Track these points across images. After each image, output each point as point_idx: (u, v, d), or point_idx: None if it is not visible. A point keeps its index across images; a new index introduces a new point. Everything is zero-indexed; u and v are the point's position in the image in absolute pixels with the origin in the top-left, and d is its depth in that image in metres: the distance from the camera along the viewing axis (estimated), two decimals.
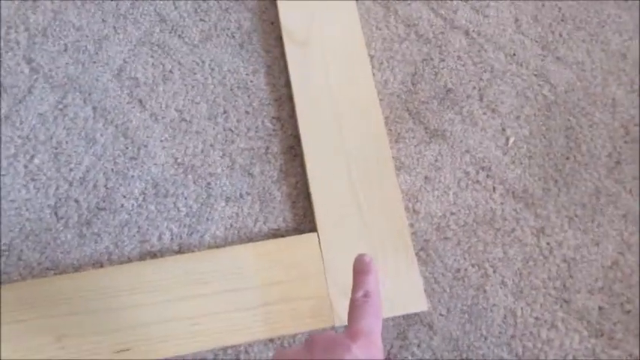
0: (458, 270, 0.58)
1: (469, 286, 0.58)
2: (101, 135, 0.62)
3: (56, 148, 0.61)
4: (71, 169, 0.60)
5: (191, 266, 0.55)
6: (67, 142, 0.62)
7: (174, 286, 0.54)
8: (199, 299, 0.53)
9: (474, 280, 0.58)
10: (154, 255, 0.57)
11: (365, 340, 0.37)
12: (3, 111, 0.63)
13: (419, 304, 0.55)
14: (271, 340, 0.54)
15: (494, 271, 0.58)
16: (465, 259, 0.59)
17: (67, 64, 0.65)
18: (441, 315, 0.56)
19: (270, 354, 0.54)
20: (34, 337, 0.51)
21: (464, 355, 0.55)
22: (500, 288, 0.58)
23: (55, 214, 0.58)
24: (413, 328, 0.56)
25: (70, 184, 0.60)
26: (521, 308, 0.57)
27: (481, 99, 0.66)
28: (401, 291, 0.55)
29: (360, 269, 0.42)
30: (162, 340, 0.52)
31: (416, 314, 0.56)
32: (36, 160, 0.61)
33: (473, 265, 0.58)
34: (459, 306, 0.57)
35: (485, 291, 0.57)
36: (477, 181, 0.62)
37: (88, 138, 0.62)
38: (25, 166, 0.60)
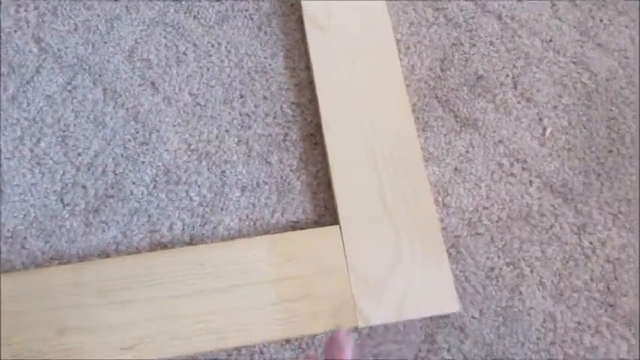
0: (491, 269, 0.54)
1: (503, 286, 0.53)
2: (111, 118, 0.59)
3: (64, 132, 0.58)
4: (79, 154, 0.57)
5: (203, 258, 0.51)
6: (75, 126, 0.58)
7: (185, 280, 0.50)
8: (211, 294, 0.49)
9: (509, 280, 0.53)
10: (164, 246, 0.54)
11: None
12: (10, 92, 0.59)
13: (450, 304, 0.50)
14: (288, 341, 0.50)
15: (532, 271, 0.54)
16: (498, 257, 0.54)
17: (76, 44, 0.62)
18: (473, 317, 0.52)
19: (287, 355, 0.50)
20: (32, 329, 0.47)
21: None
22: (538, 289, 0.53)
23: (61, 200, 0.55)
24: (443, 330, 0.51)
25: (78, 170, 0.56)
26: (561, 312, 0.52)
27: (515, 87, 0.62)
28: (430, 290, 0.50)
29: (334, 344, 0.37)
30: (170, 337, 0.48)
31: (446, 316, 0.52)
32: (42, 144, 0.57)
33: (507, 264, 0.54)
34: (492, 308, 0.52)
35: (521, 292, 0.53)
36: (512, 174, 0.58)
37: (97, 121, 0.58)
38: (31, 150, 0.57)
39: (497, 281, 0.53)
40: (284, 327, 0.49)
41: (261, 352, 0.50)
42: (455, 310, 0.50)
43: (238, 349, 0.50)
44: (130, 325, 0.48)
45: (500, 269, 0.54)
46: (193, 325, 0.48)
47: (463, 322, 0.52)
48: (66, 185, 0.55)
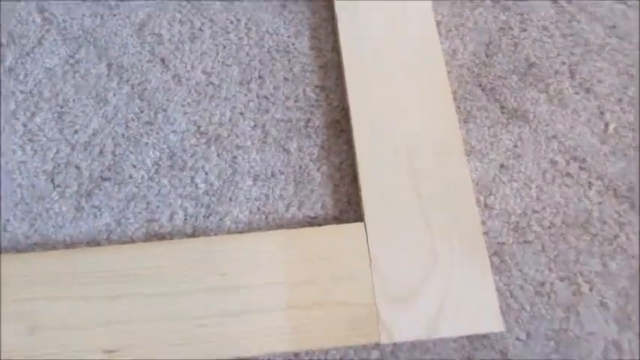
0: (542, 283, 0.45)
1: (556, 304, 0.45)
2: (114, 95, 0.53)
3: (61, 107, 0.52)
4: (76, 131, 0.51)
5: (206, 252, 0.44)
6: (74, 101, 0.52)
7: (183, 276, 0.43)
8: (211, 294, 0.42)
9: (564, 299, 0.45)
10: (162, 237, 0.47)
11: None
12: (7, 62, 0.54)
13: (492, 323, 0.42)
14: (296, 355, 0.43)
15: (591, 289, 0.45)
16: (550, 269, 0.46)
17: (83, 15, 0.56)
18: (518, 340, 0.43)
19: None
20: (3, 325, 0.41)
21: None
22: (600, 311, 0.44)
23: (52, 181, 0.49)
24: (480, 353, 0.43)
25: (73, 148, 0.50)
26: (629, 340, 0.43)
27: (572, 76, 0.54)
28: (469, 305, 0.42)
29: None
30: (161, 342, 0.41)
31: (485, 336, 0.43)
32: (37, 119, 0.51)
33: (562, 279, 0.45)
34: (542, 330, 0.44)
35: (578, 313, 0.44)
36: (568, 174, 0.49)
37: (98, 98, 0.52)
38: (24, 125, 0.51)
39: (549, 298, 0.45)
40: (292, 338, 0.41)
41: None
42: (498, 330, 0.42)
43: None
44: (116, 324, 0.41)
45: (553, 284, 0.45)
46: (189, 329, 0.41)
47: (506, 345, 0.43)
48: (58, 165, 0.49)
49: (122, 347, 0.41)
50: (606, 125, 0.52)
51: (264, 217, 0.48)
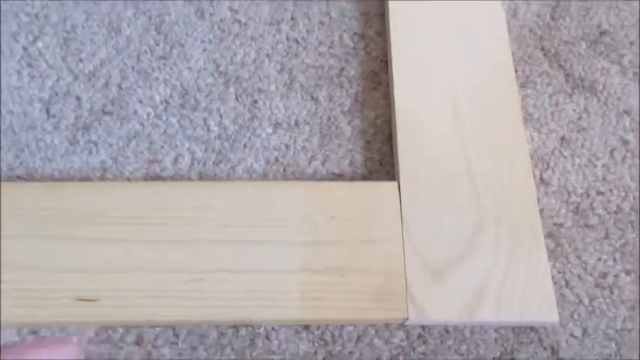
0: (604, 275, 0.38)
1: (620, 301, 0.37)
2: (128, 25, 0.47)
3: (68, 33, 0.46)
4: (81, 60, 0.45)
5: (212, 199, 0.37)
6: (83, 28, 0.47)
7: (181, 223, 0.37)
8: (212, 247, 0.36)
9: (629, 295, 0.37)
10: (162, 180, 0.41)
11: None
12: None
13: (544, 312, 0.35)
14: (306, 327, 0.36)
15: None
16: (615, 260, 0.38)
17: None
18: (572, 337, 0.36)
19: (302, 347, 0.35)
20: None
21: None
22: None
23: (47, 110, 0.43)
24: (526, 349, 0.36)
25: (75, 78, 0.44)
26: None
27: None
28: (516, 288, 0.35)
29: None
30: (148, 295, 0.34)
31: (533, 329, 0.36)
32: (39, 43, 0.46)
33: (628, 272, 0.38)
34: (602, 328, 0.36)
35: None
36: None
37: (111, 26, 0.47)
38: (25, 48, 0.46)
39: (612, 293, 0.37)
40: (304, 306, 0.34)
41: (267, 337, 0.35)
42: (550, 322, 0.35)
43: (236, 327, 0.36)
44: (98, 271, 0.35)
45: (617, 277, 0.38)
46: (183, 284, 0.35)
47: (558, 342, 0.36)
48: (56, 94, 0.44)
49: (101, 297, 0.35)
50: None
51: (281, 168, 0.41)
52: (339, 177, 0.41)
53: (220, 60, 0.46)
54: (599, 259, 0.38)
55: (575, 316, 0.37)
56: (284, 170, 0.41)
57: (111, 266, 0.35)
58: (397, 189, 0.38)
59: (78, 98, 0.44)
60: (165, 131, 0.43)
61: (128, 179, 0.41)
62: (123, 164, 0.41)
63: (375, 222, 0.37)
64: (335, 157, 0.42)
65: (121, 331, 0.36)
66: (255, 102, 0.44)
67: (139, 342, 0.35)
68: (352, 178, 0.41)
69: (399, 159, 0.39)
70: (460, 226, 0.37)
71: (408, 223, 0.37)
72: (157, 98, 0.44)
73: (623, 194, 0.41)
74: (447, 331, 0.36)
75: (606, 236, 0.39)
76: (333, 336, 0.35)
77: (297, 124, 0.43)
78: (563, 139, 0.43)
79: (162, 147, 0.42)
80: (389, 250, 0.36)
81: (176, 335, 0.35)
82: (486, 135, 0.40)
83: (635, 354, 0.36)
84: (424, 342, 0.36)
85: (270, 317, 0.34)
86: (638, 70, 0.46)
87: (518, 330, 0.36)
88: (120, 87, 0.44)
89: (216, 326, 0.36)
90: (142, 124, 0.43)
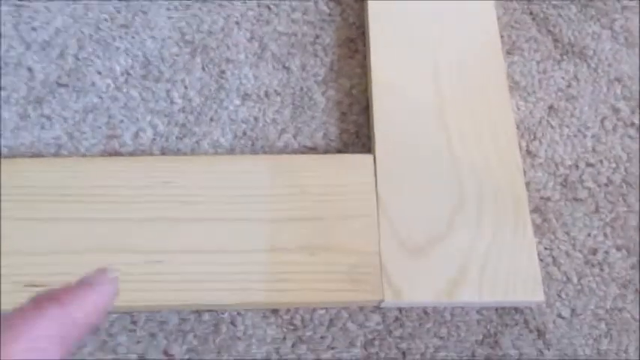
0: (594, 251, 0.36)
1: (611, 279, 0.35)
2: None
3: (21, 0, 0.43)
4: (34, 29, 0.42)
5: (171, 175, 0.35)
6: None
7: (138, 200, 0.34)
8: (173, 225, 0.33)
9: (620, 272, 0.35)
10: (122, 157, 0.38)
11: None
12: None
13: (529, 292, 0.32)
14: (275, 311, 0.33)
15: None
16: (605, 235, 0.36)
17: None
18: (560, 317, 0.34)
19: (270, 332, 0.33)
20: None
21: None
22: None
23: None
24: (511, 331, 0.33)
25: (28, 48, 0.41)
26: None
27: None
28: (500, 267, 0.33)
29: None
30: None
31: (517, 310, 0.34)
32: None
33: (619, 248, 0.36)
34: (591, 308, 0.34)
35: (637, 291, 0.35)
36: (632, 124, 0.40)
37: None
38: None
39: (602, 270, 0.35)
40: (272, 289, 0.32)
41: (232, 323, 0.33)
42: (536, 301, 0.32)
43: (199, 312, 0.33)
44: (47, 253, 0.32)
45: (607, 253, 0.36)
46: (140, 264, 0.32)
47: (545, 323, 0.34)
48: (6, 64, 0.40)
49: (51, 282, 0.32)
50: None
51: (250, 142, 0.38)
52: (311, 151, 0.38)
53: (186, 28, 0.42)
54: (589, 234, 0.36)
55: (563, 296, 0.34)
56: (253, 144, 0.38)
57: (63, 248, 0.32)
58: (373, 162, 0.35)
59: (30, 69, 0.41)
60: (125, 104, 0.40)
61: (84, 155, 0.38)
62: (79, 140, 0.38)
63: (349, 197, 0.34)
64: (308, 129, 0.39)
65: None
66: (223, 72, 0.41)
67: (93, 330, 0.33)
68: (326, 152, 0.38)
69: (375, 131, 0.36)
70: (440, 202, 0.34)
71: (384, 198, 0.34)
72: (118, 69, 0.41)
73: (613, 165, 0.38)
74: (425, 313, 0.33)
75: (596, 210, 0.37)
76: (303, 320, 0.33)
77: (267, 95, 0.40)
78: (551, 108, 0.40)
79: (122, 121, 0.39)
80: (363, 228, 0.33)
81: (134, 322, 0.33)
82: (469, 105, 0.38)
83: (625, 336, 0.33)
84: (401, 325, 0.33)
85: (236, 301, 0.32)
86: (629, 36, 0.43)
87: (502, 311, 0.34)
88: (77, 57, 0.41)
89: (177, 312, 0.33)
90: (100, 96, 0.40)
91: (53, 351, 0.17)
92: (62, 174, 0.35)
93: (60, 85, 0.40)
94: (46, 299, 0.19)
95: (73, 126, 0.39)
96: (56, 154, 0.38)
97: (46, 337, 0.17)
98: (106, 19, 0.43)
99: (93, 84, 0.40)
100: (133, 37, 0.42)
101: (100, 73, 0.41)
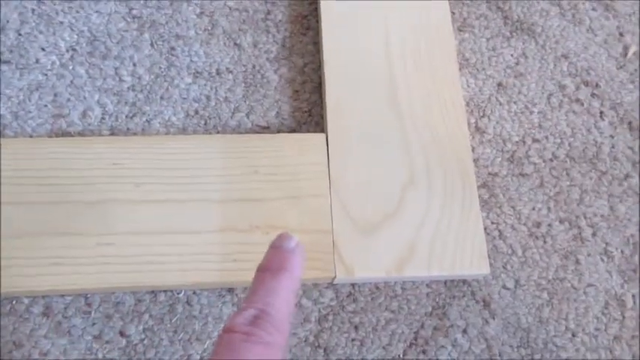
0: (537, 224, 0.37)
1: (553, 251, 0.37)
2: None
3: None
4: None
5: (121, 155, 0.34)
6: None
7: (87, 182, 0.33)
8: (122, 207, 0.33)
9: (562, 243, 0.37)
10: (69, 137, 0.37)
11: None
12: None
13: (475, 265, 0.34)
14: (230, 290, 0.34)
15: (594, 234, 0.37)
16: (549, 209, 0.38)
17: None
18: (505, 288, 0.35)
19: (226, 311, 0.33)
20: None
21: (536, 356, 0.34)
22: (602, 260, 0.37)
23: None
24: (458, 302, 0.35)
25: None
26: (634, 296, 0.36)
27: None
28: (447, 242, 0.34)
29: (273, 261, 0.26)
30: (53, 263, 0.31)
31: (466, 282, 0.35)
32: None
33: (561, 221, 0.37)
34: (534, 279, 0.36)
35: (578, 261, 0.36)
36: (577, 100, 0.41)
37: None
38: None
39: (545, 242, 0.37)
40: (226, 268, 0.32)
41: (188, 302, 0.33)
42: (481, 273, 0.34)
43: (154, 291, 0.33)
44: None
45: (550, 226, 0.37)
46: (90, 247, 0.32)
47: (490, 294, 0.35)
48: None
49: (4, 266, 0.31)
50: (625, 48, 0.43)
51: (202, 121, 0.38)
52: (265, 130, 0.38)
53: (133, 3, 0.41)
54: (534, 208, 0.38)
55: (508, 267, 0.36)
56: (205, 123, 0.38)
57: (11, 231, 0.32)
58: (325, 141, 0.36)
59: None
60: (72, 82, 0.38)
61: (31, 136, 0.37)
62: (24, 120, 0.37)
63: (302, 177, 0.34)
64: (261, 108, 0.39)
65: (26, 301, 0.33)
66: (173, 49, 0.40)
67: (47, 313, 0.32)
68: (279, 131, 0.38)
69: (327, 109, 0.37)
70: (390, 180, 0.35)
71: (336, 178, 0.34)
72: (62, 45, 0.39)
73: (558, 141, 0.40)
74: (377, 288, 0.35)
75: (541, 185, 0.38)
76: None
77: (218, 72, 0.40)
78: (499, 85, 0.41)
79: (69, 100, 0.38)
80: (316, 207, 0.34)
81: (88, 304, 0.33)
82: (420, 83, 0.38)
83: (565, 304, 0.35)
84: (354, 300, 0.34)
85: (190, 281, 0.32)
86: (577, 12, 0.44)
87: (451, 284, 0.35)
88: (19, 33, 0.40)
89: (132, 293, 0.33)
90: (45, 74, 0.39)
91: (294, 302, 0.25)
92: (8, 156, 0.34)
93: (2, 62, 0.39)
94: (274, 269, 0.25)
95: (17, 105, 0.38)
96: (1, 135, 0.37)
97: (293, 292, 0.25)
98: None
99: (37, 61, 0.39)
100: (77, 12, 0.41)
101: (43, 49, 0.39)
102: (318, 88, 0.40)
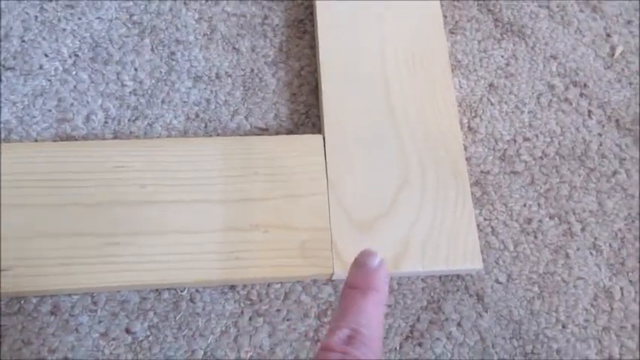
0: (529, 220, 0.38)
1: (544, 245, 0.38)
2: None
3: None
4: None
5: (125, 158, 0.35)
6: None
7: (95, 185, 0.34)
8: (128, 208, 0.34)
9: (552, 238, 0.38)
10: (74, 141, 0.38)
11: None
12: None
13: (469, 260, 0.35)
14: (232, 287, 0.35)
15: (583, 229, 0.38)
16: (539, 205, 0.39)
17: None
18: (497, 283, 0.37)
19: (229, 308, 0.34)
20: None
21: (528, 348, 0.35)
22: (591, 254, 0.38)
23: None
24: (453, 297, 0.36)
25: None
26: (622, 288, 0.37)
27: None
28: (442, 238, 0.35)
29: (361, 280, 0.26)
30: (61, 263, 0.32)
31: (460, 277, 0.36)
32: None
33: (551, 217, 0.39)
34: (525, 273, 0.37)
35: (567, 255, 0.38)
36: (566, 99, 0.42)
37: None
38: None
39: (536, 238, 0.38)
40: (228, 266, 0.33)
41: (192, 300, 0.34)
42: (475, 268, 0.35)
43: (158, 290, 0.34)
44: (7, 239, 0.33)
45: (541, 222, 0.38)
46: (98, 247, 0.33)
47: (483, 289, 0.36)
48: None
49: (11, 266, 0.32)
50: (612, 49, 0.44)
51: (203, 124, 0.39)
52: (263, 131, 0.39)
53: (134, 9, 0.42)
54: (525, 204, 0.39)
55: (500, 262, 0.37)
56: (205, 126, 0.39)
57: (21, 233, 0.33)
58: (322, 142, 0.37)
59: None
60: (75, 87, 0.40)
61: (36, 140, 0.38)
62: (29, 124, 0.38)
63: (300, 177, 0.36)
64: (259, 110, 0.40)
65: (34, 300, 0.34)
66: (173, 54, 0.41)
67: (54, 311, 0.34)
68: (278, 133, 0.39)
69: (324, 111, 0.38)
70: (386, 179, 0.36)
71: (334, 177, 0.36)
72: (65, 51, 0.40)
73: (548, 139, 0.41)
74: None
75: (532, 182, 0.40)
76: (259, 295, 0.35)
77: (218, 76, 0.41)
78: (491, 85, 0.42)
79: (73, 104, 0.39)
80: (314, 206, 0.35)
81: (94, 302, 0.34)
82: (414, 84, 0.39)
83: (556, 297, 0.36)
84: None
85: (193, 279, 0.33)
86: (565, 14, 0.45)
87: (445, 279, 0.36)
88: (22, 40, 0.41)
89: (137, 291, 0.34)
90: (49, 80, 0.40)
91: (382, 321, 0.26)
92: (14, 160, 0.35)
93: (6, 68, 0.40)
94: (363, 288, 0.25)
95: (22, 110, 0.39)
96: (6, 139, 0.38)
97: (382, 311, 0.25)
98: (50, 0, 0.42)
99: (41, 67, 0.40)
100: (79, 19, 0.42)
101: (47, 55, 0.40)
102: (315, 90, 0.41)
